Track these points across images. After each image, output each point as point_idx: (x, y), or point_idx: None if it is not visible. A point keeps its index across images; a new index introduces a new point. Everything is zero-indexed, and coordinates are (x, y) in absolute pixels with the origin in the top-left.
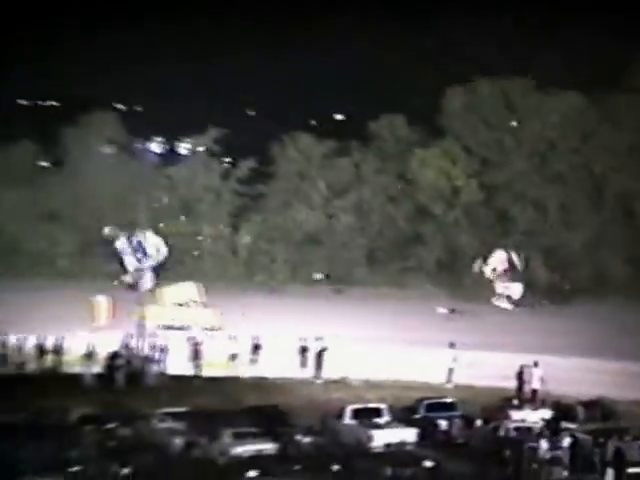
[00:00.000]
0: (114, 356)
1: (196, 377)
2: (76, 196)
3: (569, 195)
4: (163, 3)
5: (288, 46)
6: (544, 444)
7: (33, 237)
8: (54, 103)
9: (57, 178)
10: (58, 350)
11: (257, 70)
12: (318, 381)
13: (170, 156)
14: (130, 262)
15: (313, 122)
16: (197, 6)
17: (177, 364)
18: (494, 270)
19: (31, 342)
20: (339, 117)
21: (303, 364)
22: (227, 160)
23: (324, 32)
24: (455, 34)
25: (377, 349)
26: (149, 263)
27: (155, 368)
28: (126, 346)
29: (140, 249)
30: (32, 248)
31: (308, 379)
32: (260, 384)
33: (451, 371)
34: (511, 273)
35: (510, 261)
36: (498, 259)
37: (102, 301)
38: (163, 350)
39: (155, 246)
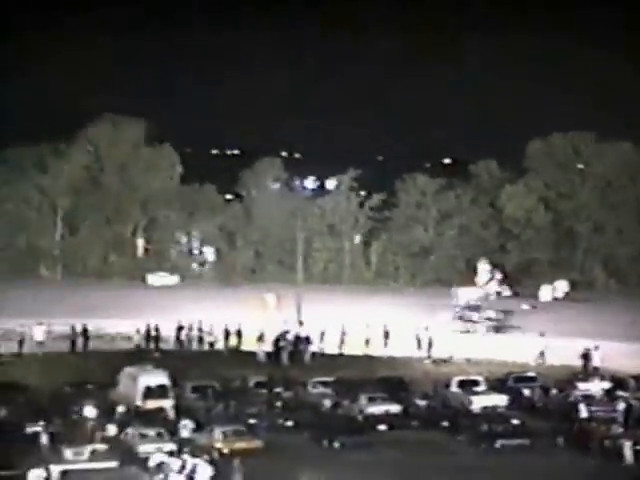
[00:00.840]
0: (279, 339)
1: (341, 355)
2: (250, 220)
3: (621, 220)
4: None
5: (405, 110)
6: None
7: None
8: (236, 152)
9: (238, 207)
10: (239, 334)
11: (383, 127)
12: (430, 359)
13: (320, 190)
14: None
15: (427, 165)
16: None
17: (327, 345)
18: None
19: (220, 327)
20: (447, 161)
21: (419, 346)
22: (362, 193)
23: (434, 99)
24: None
25: (476, 336)
26: None
27: (310, 348)
28: (288, 331)
29: None
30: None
31: (423, 357)
32: (388, 361)
33: (542, 353)
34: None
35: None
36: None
37: (270, 297)
38: (309, 337)
39: None
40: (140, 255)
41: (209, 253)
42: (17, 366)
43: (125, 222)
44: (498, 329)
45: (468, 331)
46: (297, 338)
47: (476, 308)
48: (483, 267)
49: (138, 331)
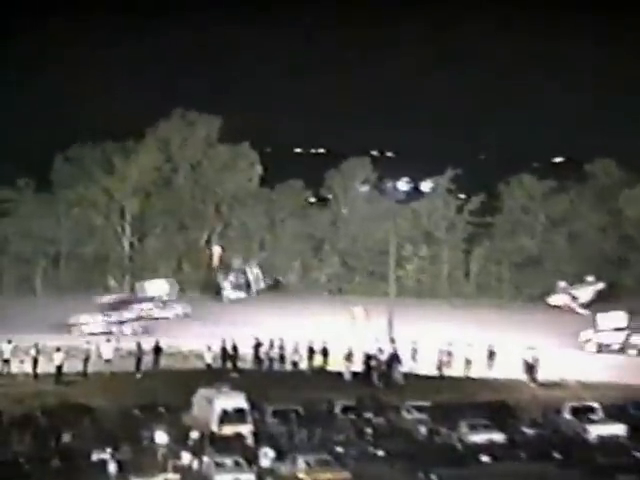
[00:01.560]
0: (369, 358)
1: (438, 377)
2: (336, 225)
3: None
4: None
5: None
6: None
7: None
8: (321, 151)
9: (323, 212)
10: (324, 352)
11: (485, 120)
12: (538, 382)
13: (414, 193)
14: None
15: (535, 164)
16: None
17: (422, 365)
18: None
19: (303, 345)
20: (557, 160)
21: (526, 369)
22: (462, 196)
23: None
24: None
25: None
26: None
27: (403, 368)
28: (379, 350)
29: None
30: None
31: (530, 380)
32: (491, 383)
33: None
34: None
35: None
36: None
37: (359, 311)
38: (398, 356)
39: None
40: (216, 265)
41: (290, 263)
42: (82, 386)
43: (199, 228)
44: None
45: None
46: (389, 357)
47: (617, 337)
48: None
49: (210, 348)
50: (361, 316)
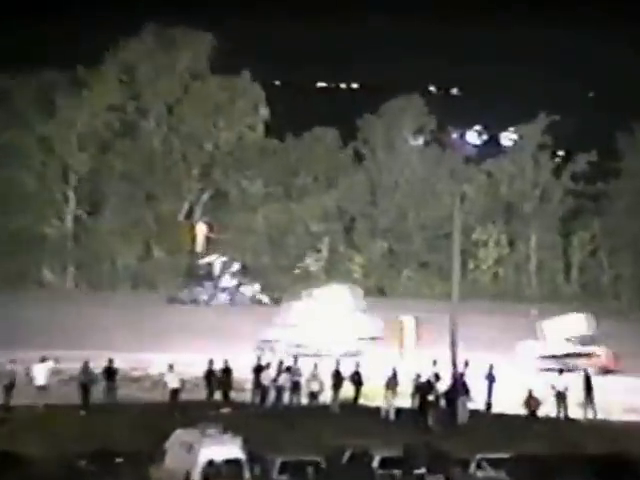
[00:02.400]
0: (423, 388)
1: (521, 417)
2: (375, 195)
3: None
4: None
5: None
6: None
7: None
8: (354, 86)
9: (357, 175)
10: (357, 378)
11: (593, 43)
12: None
13: (490, 148)
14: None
15: None
16: None
17: (499, 401)
18: None
19: (326, 367)
20: None
21: None
22: (560, 153)
23: None
24: None
25: None
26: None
27: (471, 404)
28: (436, 376)
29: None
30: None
31: None
32: (603, 427)
33: None
34: None
35: None
36: None
37: (408, 321)
38: (464, 386)
39: None
40: (200, 249)
41: (310, 250)
42: (5, 426)
43: (177, 197)
44: None
45: None
46: (451, 388)
47: None
48: None
49: (172, 368)
50: (411, 328)
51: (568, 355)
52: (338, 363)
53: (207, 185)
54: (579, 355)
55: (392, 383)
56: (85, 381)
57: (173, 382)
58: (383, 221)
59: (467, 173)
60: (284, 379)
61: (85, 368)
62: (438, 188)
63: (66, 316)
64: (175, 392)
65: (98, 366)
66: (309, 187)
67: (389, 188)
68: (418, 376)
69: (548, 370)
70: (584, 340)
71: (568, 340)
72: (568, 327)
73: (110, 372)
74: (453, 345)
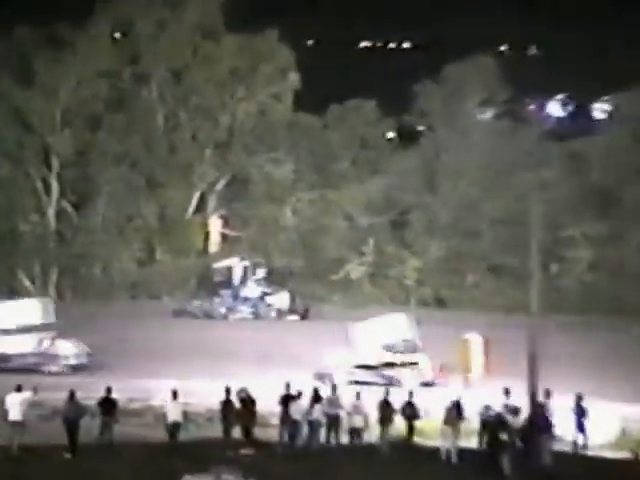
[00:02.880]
0: (494, 423)
1: (624, 462)
2: (432, 181)
3: None
4: None
5: None
6: None
7: None
8: (406, 46)
9: (410, 156)
10: (410, 411)
11: None
12: None
13: (578, 122)
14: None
15: None
16: None
17: (595, 439)
18: None
19: (371, 397)
20: None
21: None
22: None
23: None
24: None
25: None
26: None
27: (554, 444)
28: (510, 409)
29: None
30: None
31: None
32: None
33: None
34: None
35: None
36: None
37: (476, 340)
38: (547, 421)
39: None
40: (215, 250)
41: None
42: None
43: (185, 185)
44: None
45: None
46: (529, 423)
47: None
48: None
49: (175, 395)
50: (478, 348)
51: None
52: (387, 392)
53: (223, 170)
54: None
55: (454, 417)
56: (72, 415)
57: (174, 413)
58: (443, 214)
59: (548, 153)
60: (319, 412)
61: (71, 399)
62: (510, 172)
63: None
64: (176, 426)
65: (88, 396)
66: (349, 172)
67: (450, 173)
68: (487, 408)
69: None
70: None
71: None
72: (384, 331)
73: (107, 404)
74: (532, 370)
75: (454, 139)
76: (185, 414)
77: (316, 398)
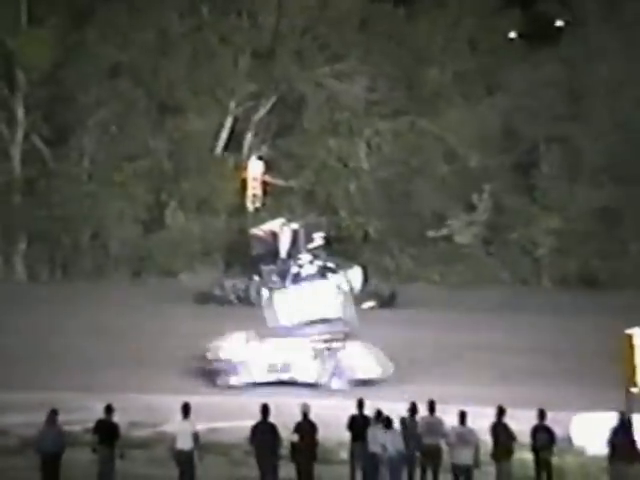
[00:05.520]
0: None
1: None
2: (579, 96)
3: None
4: None
5: None
6: None
7: None
8: None
9: (539, 64)
10: (544, 440)
11: None
12: None
13: None
14: None
15: None
16: None
17: None
18: None
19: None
20: None
21: None
22: None
23: None
24: None
25: None
26: None
27: None
28: None
29: None
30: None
31: None
32: None
33: None
34: None
35: None
36: None
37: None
38: None
39: None
40: (254, 206)
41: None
42: None
43: (209, 107)
44: None
45: None
46: None
47: None
48: None
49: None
50: None
51: None
52: (500, 415)
53: (265, 83)
54: None
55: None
56: (50, 447)
57: (183, 438)
58: (592, 151)
59: None
60: (398, 441)
61: (51, 421)
62: None
63: (13, 330)
64: (185, 457)
65: (72, 420)
66: (452, 90)
67: (606, 90)
68: None
69: None
70: None
71: None
72: None
73: (106, 429)
74: None
75: (613, 38)
76: (196, 438)
77: (386, 421)
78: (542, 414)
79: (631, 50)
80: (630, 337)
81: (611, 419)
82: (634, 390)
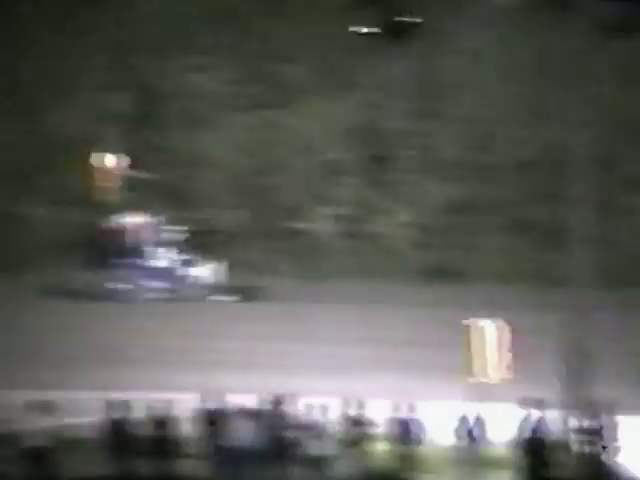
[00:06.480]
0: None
1: None
2: (432, 91)
3: None
4: None
5: None
6: None
7: None
8: None
9: (393, 59)
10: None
11: None
12: None
13: None
14: None
15: None
16: None
17: None
18: None
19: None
20: None
21: None
22: None
23: None
24: None
25: None
26: None
27: None
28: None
29: None
30: None
31: None
32: None
33: None
34: None
35: None
36: None
37: (489, 329)
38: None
39: None
40: (111, 197)
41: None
42: None
43: (64, 96)
44: None
45: None
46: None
47: None
48: None
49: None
50: (492, 343)
51: None
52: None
53: (125, 75)
54: None
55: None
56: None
57: None
58: (446, 146)
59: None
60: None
61: None
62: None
63: None
64: None
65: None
66: (310, 83)
67: (457, 86)
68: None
69: None
70: None
71: None
72: None
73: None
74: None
75: (464, 35)
76: None
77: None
78: (395, 404)
79: (483, 46)
80: (468, 328)
81: (455, 409)
82: (471, 380)
